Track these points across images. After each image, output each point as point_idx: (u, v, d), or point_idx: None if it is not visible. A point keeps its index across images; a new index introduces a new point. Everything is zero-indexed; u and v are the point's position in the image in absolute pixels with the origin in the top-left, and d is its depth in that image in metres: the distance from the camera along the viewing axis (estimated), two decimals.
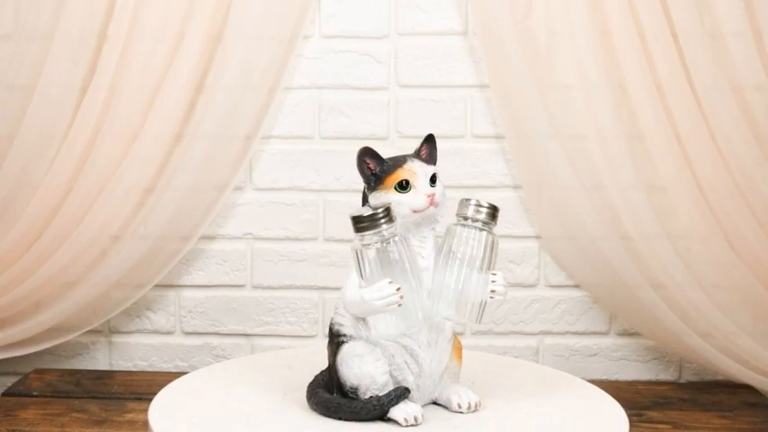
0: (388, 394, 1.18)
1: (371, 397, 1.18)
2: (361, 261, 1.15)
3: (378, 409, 1.17)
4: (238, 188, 1.95)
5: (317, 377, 1.27)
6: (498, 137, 1.93)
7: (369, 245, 1.14)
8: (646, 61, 1.77)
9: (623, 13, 1.76)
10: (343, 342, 1.20)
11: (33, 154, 1.83)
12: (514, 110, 1.84)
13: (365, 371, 1.18)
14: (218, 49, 1.86)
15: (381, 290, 1.13)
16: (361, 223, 1.14)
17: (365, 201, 1.22)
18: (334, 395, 1.21)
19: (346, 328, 1.20)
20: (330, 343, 1.23)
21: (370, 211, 1.14)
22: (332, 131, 1.94)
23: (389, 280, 1.13)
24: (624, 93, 1.81)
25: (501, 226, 1.92)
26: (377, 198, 1.19)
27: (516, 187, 1.94)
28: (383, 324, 1.17)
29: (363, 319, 1.19)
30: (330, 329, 1.23)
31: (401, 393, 1.18)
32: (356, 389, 1.19)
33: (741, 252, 1.79)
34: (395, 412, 1.18)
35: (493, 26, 1.82)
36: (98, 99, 1.82)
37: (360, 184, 1.26)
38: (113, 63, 1.81)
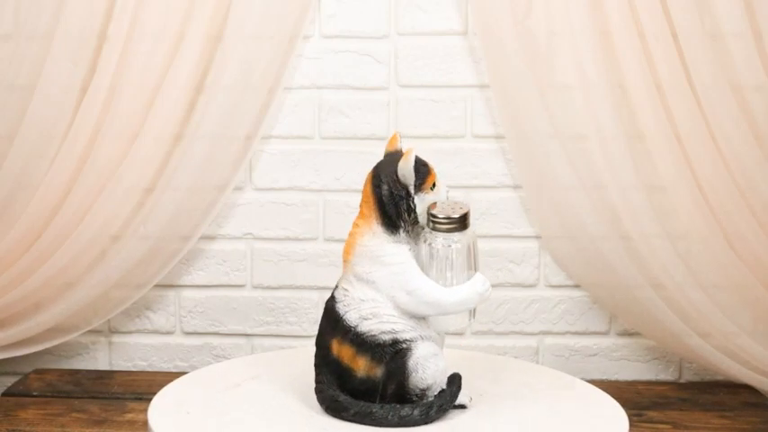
0: (452, 383, 1.22)
1: (441, 391, 1.21)
2: (447, 259, 1.21)
3: (454, 399, 1.22)
4: (238, 188, 1.95)
5: (329, 397, 1.22)
6: (498, 137, 1.93)
7: (454, 243, 1.21)
8: (646, 61, 1.77)
9: (623, 13, 1.76)
10: (407, 348, 1.19)
11: (33, 154, 1.83)
12: (514, 110, 1.84)
13: (441, 367, 1.21)
14: (218, 49, 1.86)
15: (484, 282, 1.21)
16: (455, 223, 1.20)
17: (398, 200, 1.21)
18: (390, 404, 1.19)
19: (405, 332, 1.19)
20: (377, 353, 1.18)
21: (461, 212, 1.21)
22: (332, 131, 1.94)
23: (479, 272, 1.22)
24: (624, 93, 1.81)
25: (501, 226, 1.94)
26: (423, 199, 1.22)
27: (516, 187, 1.93)
28: (459, 319, 1.25)
29: (424, 319, 1.21)
30: (370, 342, 1.18)
31: (460, 379, 1.23)
32: (429, 388, 1.20)
33: (741, 252, 1.79)
34: (461, 398, 1.23)
35: (493, 26, 1.82)
36: (98, 99, 1.82)
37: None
38: (113, 63, 1.81)
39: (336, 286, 1.25)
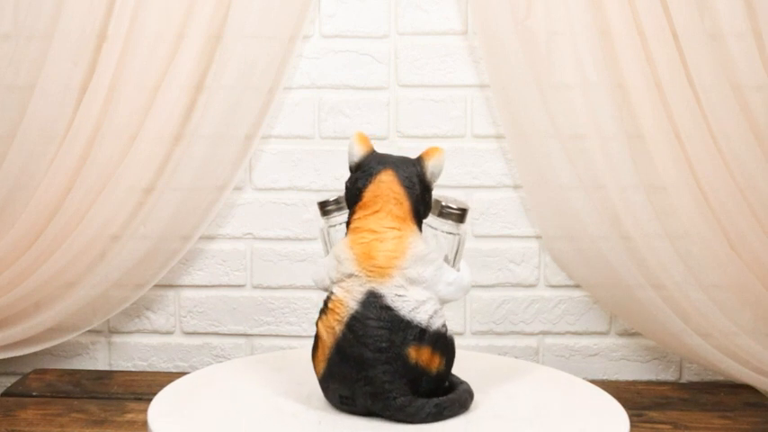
0: None
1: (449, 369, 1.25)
2: (457, 246, 1.27)
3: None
4: (238, 188, 1.95)
5: (425, 405, 1.18)
6: (498, 137, 1.93)
7: (444, 233, 1.27)
8: (646, 61, 1.77)
9: (623, 13, 1.76)
10: (452, 335, 1.22)
11: (33, 154, 1.83)
12: (514, 110, 1.84)
13: None
14: (218, 49, 1.86)
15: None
16: (455, 213, 1.26)
17: (423, 199, 1.24)
18: (442, 396, 1.20)
19: (447, 320, 1.22)
20: (445, 347, 1.19)
21: (462, 206, 1.27)
22: (332, 131, 1.94)
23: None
24: (624, 93, 1.81)
25: (501, 226, 1.94)
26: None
27: (516, 187, 1.94)
28: None
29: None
30: (441, 338, 1.18)
31: None
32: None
33: (741, 252, 1.79)
34: None
35: (493, 26, 1.82)
36: (98, 99, 1.82)
37: None
38: (113, 63, 1.81)
39: (378, 296, 1.17)
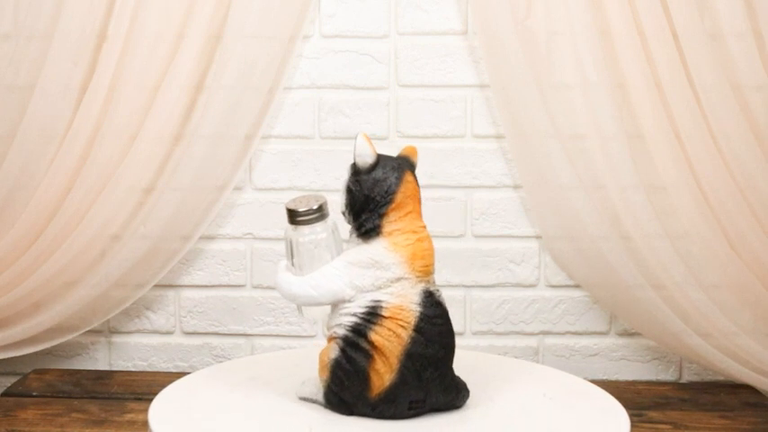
0: None
1: None
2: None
3: None
4: (238, 188, 1.95)
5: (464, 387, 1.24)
6: (498, 137, 1.93)
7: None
8: (646, 61, 1.77)
9: (623, 13, 1.76)
10: None
11: (33, 154, 1.83)
12: (514, 110, 1.84)
13: None
14: (218, 49, 1.87)
15: None
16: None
17: None
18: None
19: None
20: None
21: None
22: (332, 131, 1.94)
23: None
24: (624, 93, 1.81)
25: (501, 226, 1.94)
26: None
27: (516, 187, 1.94)
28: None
29: None
30: None
31: None
32: None
33: (741, 252, 1.79)
34: None
35: (493, 26, 1.82)
36: (98, 99, 1.82)
37: None
38: (113, 63, 1.81)
39: (430, 294, 1.18)
